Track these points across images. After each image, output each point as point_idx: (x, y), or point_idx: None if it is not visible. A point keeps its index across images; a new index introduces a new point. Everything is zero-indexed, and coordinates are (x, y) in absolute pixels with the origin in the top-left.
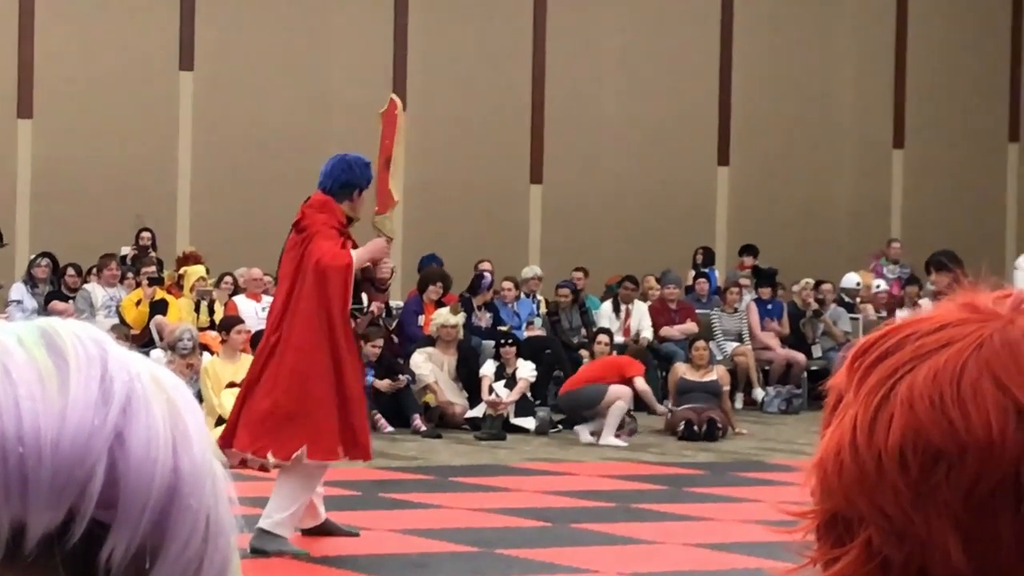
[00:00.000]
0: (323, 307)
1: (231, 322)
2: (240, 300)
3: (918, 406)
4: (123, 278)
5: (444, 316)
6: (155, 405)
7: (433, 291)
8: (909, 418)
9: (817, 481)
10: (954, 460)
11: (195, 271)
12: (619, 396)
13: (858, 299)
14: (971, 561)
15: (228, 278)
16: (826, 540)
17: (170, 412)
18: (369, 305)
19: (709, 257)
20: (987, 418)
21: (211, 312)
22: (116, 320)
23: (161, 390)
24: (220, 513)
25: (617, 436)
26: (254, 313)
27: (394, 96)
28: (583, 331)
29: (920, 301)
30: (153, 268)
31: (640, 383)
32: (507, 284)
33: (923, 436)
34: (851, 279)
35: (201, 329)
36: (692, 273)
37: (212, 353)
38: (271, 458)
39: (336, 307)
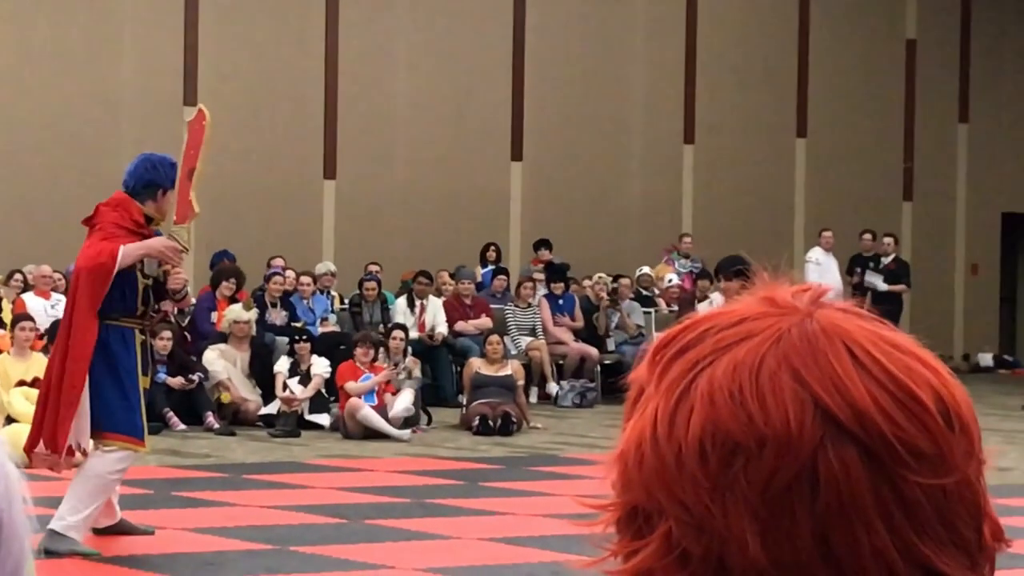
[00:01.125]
0: (67, 308)
1: (19, 319)
2: (28, 297)
3: (717, 399)
4: None
5: (236, 312)
6: None
7: (226, 287)
8: (709, 411)
9: (618, 474)
10: (752, 453)
11: None
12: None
13: (656, 291)
14: (768, 553)
15: (18, 275)
16: (626, 533)
17: None
18: (159, 305)
19: (501, 254)
20: (785, 411)
21: None
22: None
23: None
24: (13, 515)
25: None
26: (43, 310)
27: (203, 106)
28: (381, 327)
29: (711, 295)
30: None
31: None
32: (305, 279)
33: (722, 429)
34: (643, 269)
35: None
36: (480, 268)
37: (1, 351)
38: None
39: (80, 307)
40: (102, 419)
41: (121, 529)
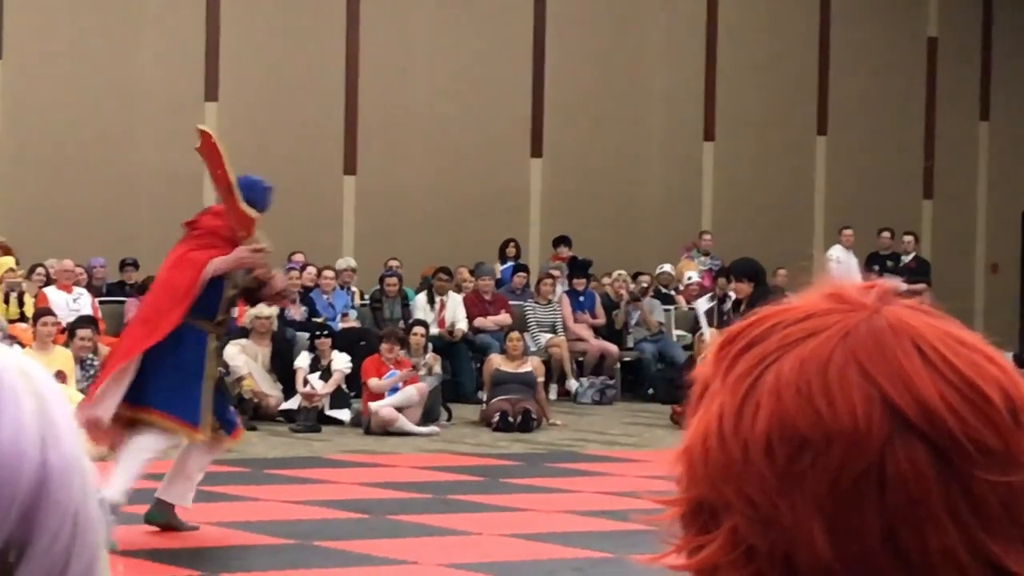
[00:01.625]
0: (148, 306)
1: (41, 313)
2: (51, 291)
3: (785, 395)
4: None
5: (258, 308)
6: (24, 399)
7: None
8: (776, 407)
9: (683, 469)
10: (820, 448)
11: (4, 262)
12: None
13: (679, 287)
14: (835, 549)
15: (40, 269)
16: (691, 528)
17: (39, 406)
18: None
19: (520, 250)
20: (852, 407)
21: (20, 304)
22: None
23: (30, 384)
24: (88, 509)
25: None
26: (65, 304)
27: (201, 127)
28: (401, 323)
29: (730, 292)
30: None
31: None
32: (328, 273)
33: (789, 424)
34: (663, 267)
35: (11, 321)
36: (499, 265)
37: (22, 345)
38: None
39: (161, 310)
40: (154, 398)
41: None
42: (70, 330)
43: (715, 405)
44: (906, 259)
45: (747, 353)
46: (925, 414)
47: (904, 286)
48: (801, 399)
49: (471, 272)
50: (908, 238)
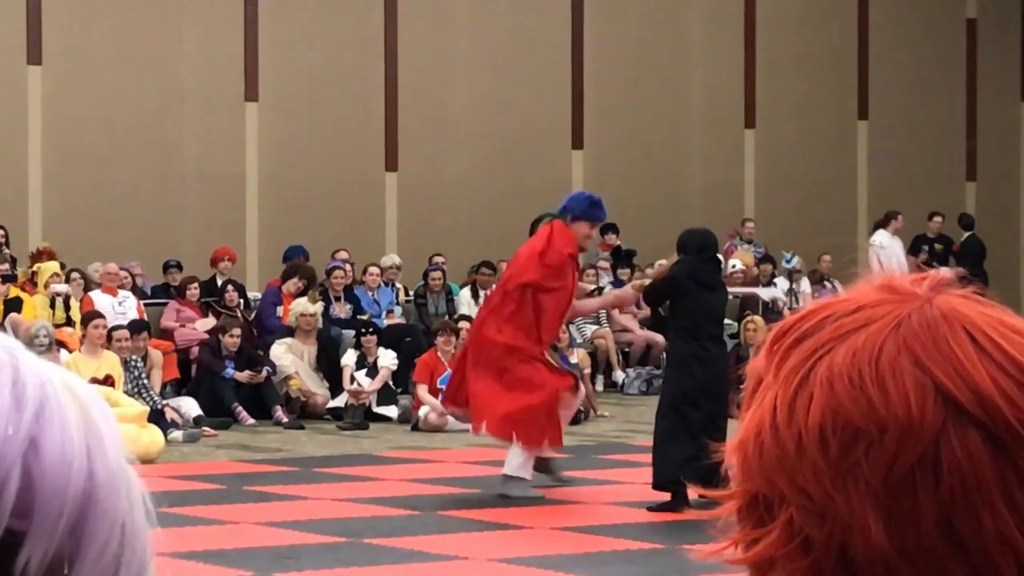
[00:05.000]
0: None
1: (91, 317)
2: (96, 295)
3: (838, 385)
4: None
5: (303, 305)
6: (69, 411)
7: (293, 284)
8: (829, 397)
9: (737, 462)
10: (874, 438)
11: (49, 267)
12: None
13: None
14: (891, 539)
15: (76, 273)
16: (747, 521)
17: (83, 418)
18: None
19: None
20: (906, 396)
21: (67, 308)
22: None
23: (74, 396)
24: (135, 518)
25: None
26: (111, 307)
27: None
28: (447, 318)
29: (775, 280)
30: (6, 266)
31: None
32: (374, 270)
33: (843, 415)
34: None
35: (57, 326)
36: None
37: (69, 350)
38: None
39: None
40: None
41: (546, 467)
42: (111, 332)
43: (768, 398)
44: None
45: (799, 346)
46: (979, 401)
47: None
48: (854, 389)
49: None
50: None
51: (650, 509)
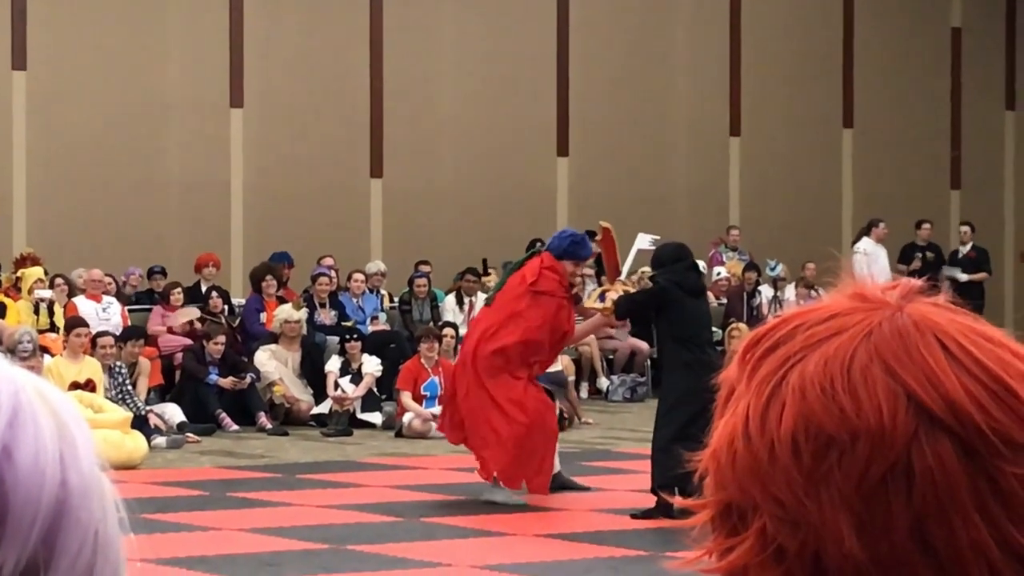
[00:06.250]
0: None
1: (73, 324)
2: (80, 301)
3: (809, 394)
4: None
5: (287, 312)
6: (42, 418)
7: (268, 285)
8: (801, 406)
9: (710, 472)
10: (846, 446)
11: (33, 273)
12: None
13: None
14: (864, 547)
15: (60, 279)
16: (721, 530)
17: (57, 426)
18: None
19: None
20: (878, 404)
21: (51, 314)
22: None
23: (47, 404)
24: (109, 525)
25: None
26: (95, 314)
27: (604, 223)
28: (431, 324)
29: (759, 288)
30: None
31: None
32: (359, 276)
33: (815, 423)
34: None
35: (41, 331)
36: None
37: (52, 355)
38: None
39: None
40: None
41: (559, 483)
42: (95, 338)
43: (741, 407)
44: (964, 250)
45: (772, 354)
46: (951, 409)
47: (964, 277)
48: (826, 398)
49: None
50: (964, 228)
51: (634, 516)
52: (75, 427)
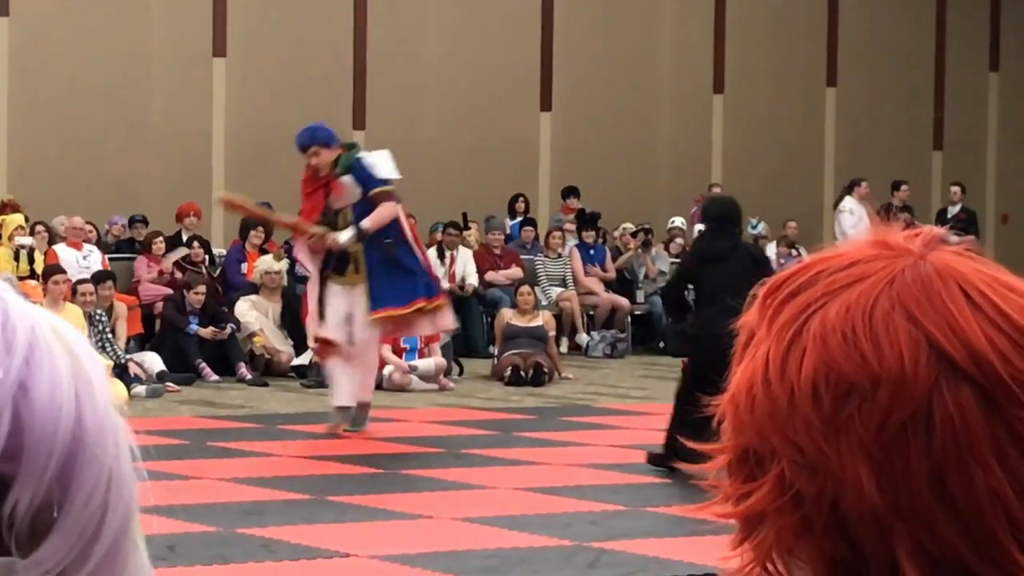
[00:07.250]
0: None
1: (53, 271)
2: (61, 249)
3: (830, 340)
4: None
5: (268, 263)
6: (58, 355)
7: (255, 236)
8: (822, 352)
9: (729, 417)
10: (866, 393)
11: (14, 220)
12: None
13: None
14: (883, 494)
15: (40, 227)
16: (738, 475)
17: (72, 363)
18: None
19: (529, 205)
20: (899, 351)
21: (31, 261)
22: None
23: (62, 341)
24: (122, 464)
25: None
26: (75, 262)
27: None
28: None
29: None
30: None
31: None
32: None
33: (835, 370)
34: (675, 221)
35: (21, 278)
36: (508, 220)
37: (32, 302)
38: None
39: None
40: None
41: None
42: (75, 286)
43: (760, 352)
44: (954, 210)
45: (792, 300)
46: (972, 357)
47: (954, 239)
48: (847, 344)
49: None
50: (955, 188)
51: (649, 460)
52: (90, 365)
